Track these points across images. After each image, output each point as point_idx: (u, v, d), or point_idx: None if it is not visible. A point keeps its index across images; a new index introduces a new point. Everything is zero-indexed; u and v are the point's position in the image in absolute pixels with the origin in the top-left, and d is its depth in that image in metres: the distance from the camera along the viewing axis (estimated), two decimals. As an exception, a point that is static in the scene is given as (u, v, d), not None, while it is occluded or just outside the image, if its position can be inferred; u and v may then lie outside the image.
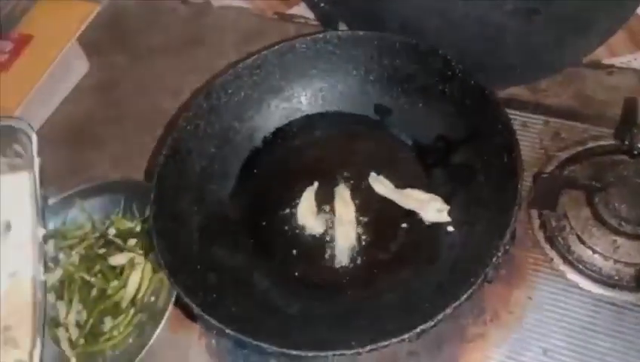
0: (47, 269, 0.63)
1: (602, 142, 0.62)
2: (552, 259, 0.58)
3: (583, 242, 0.57)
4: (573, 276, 0.57)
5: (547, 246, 0.59)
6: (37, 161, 0.62)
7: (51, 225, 0.66)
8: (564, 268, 0.57)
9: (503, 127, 0.51)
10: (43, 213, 0.61)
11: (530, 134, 0.65)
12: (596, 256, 0.57)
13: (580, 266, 0.57)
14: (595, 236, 0.57)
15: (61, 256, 0.64)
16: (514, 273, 0.58)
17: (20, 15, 0.78)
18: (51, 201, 0.67)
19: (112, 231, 0.64)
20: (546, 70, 0.66)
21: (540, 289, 0.56)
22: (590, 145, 0.63)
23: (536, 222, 0.60)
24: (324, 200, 0.60)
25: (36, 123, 0.76)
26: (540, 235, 0.59)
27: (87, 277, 0.61)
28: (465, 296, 0.45)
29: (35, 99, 0.73)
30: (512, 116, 0.64)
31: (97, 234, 0.64)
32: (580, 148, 0.63)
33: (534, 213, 0.60)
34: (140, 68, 0.80)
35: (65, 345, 0.58)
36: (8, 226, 0.63)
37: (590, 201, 0.58)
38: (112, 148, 0.74)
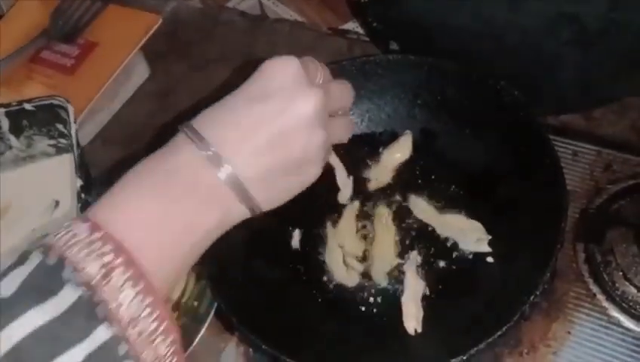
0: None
1: (656, 178, 0.61)
2: (595, 295, 0.57)
3: (628, 279, 0.56)
4: (616, 313, 0.55)
5: (591, 281, 0.57)
6: (75, 134, 0.63)
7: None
8: (607, 304, 0.56)
9: (551, 162, 0.51)
10: (86, 187, 0.61)
11: (581, 164, 0.63)
12: (642, 294, 0.55)
13: (624, 304, 0.55)
14: (642, 274, 0.56)
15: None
16: (554, 306, 0.57)
17: (86, 23, 0.82)
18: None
19: (161, 235, 0.67)
20: (600, 101, 0.64)
21: (580, 325, 0.55)
22: (643, 179, 0.61)
23: (582, 256, 0.59)
24: (365, 220, 0.61)
25: (97, 126, 0.81)
26: (585, 269, 0.58)
27: (137, 278, 0.64)
28: (499, 333, 0.45)
29: (98, 104, 0.77)
30: (562, 145, 0.64)
31: (148, 238, 0.67)
32: (631, 182, 0.61)
33: (580, 246, 0.59)
34: (196, 77, 0.83)
35: (112, 343, 0.62)
36: (57, 204, 0.67)
37: (638, 239, 0.57)
38: (166, 154, 0.77)
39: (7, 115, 0.67)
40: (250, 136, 0.38)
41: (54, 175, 0.69)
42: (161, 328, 0.33)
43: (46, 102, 0.65)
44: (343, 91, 0.45)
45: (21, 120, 0.67)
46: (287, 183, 0.41)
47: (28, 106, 0.66)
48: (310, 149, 0.40)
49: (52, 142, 0.69)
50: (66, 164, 0.68)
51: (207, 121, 0.39)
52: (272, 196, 0.41)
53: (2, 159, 0.69)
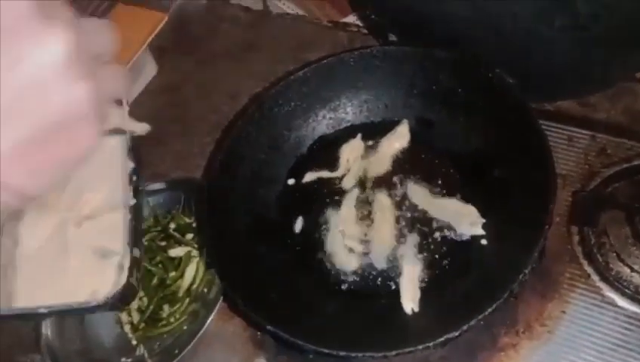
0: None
1: (649, 161, 0.62)
2: (589, 275, 0.58)
3: (621, 260, 0.58)
4: (609, 293, 0.57)
5: (585, 262, 0.59)
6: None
7: (120, 218, 0.73)
8: (600, 284, 0.57)
9: (540, 145, 0.52)
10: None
11: (576, 149, 0.65)
12: (634, 274, 0.57)
13: (617, 284, 0.57)
14: (634, 255, 0.57)
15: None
16: (549, 287, 0.58)
17: (96, 23, 0.84)
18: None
19: (172, 226, 0.69)
20: (595, 86, 0.65)
21: (574, 304, 0.57)
22: (636, 162, 0.62)
23: (576, 238, 0.60)
24: (364, 207, 0.63)
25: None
26: (579, 251, 0.60)
27: (149, 267, 0.67)
28: (490, 310, 0.47)
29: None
30: (558, 130, 0.66)
31: (159, 228, 0.69)
32: (625, 166, 0.62)
33: (574, 228, 0.61)
34: (203, 72, 0.85)
35: (127, 328, 0.64)
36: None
37: (631, 220, 0.58)
38: (175, 147, 0.79)
39: None
40: None
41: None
42: None
43: None
44: (99, 28, 0.34)
45: None
46: (54, 155, 0.31)
47: None
48: (72, 107, 0.30)
49: None
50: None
51: None
52: (36, 176, 0.31)
53: None
